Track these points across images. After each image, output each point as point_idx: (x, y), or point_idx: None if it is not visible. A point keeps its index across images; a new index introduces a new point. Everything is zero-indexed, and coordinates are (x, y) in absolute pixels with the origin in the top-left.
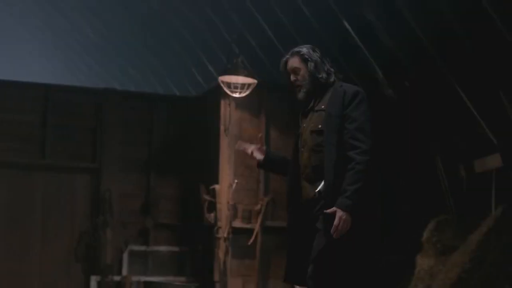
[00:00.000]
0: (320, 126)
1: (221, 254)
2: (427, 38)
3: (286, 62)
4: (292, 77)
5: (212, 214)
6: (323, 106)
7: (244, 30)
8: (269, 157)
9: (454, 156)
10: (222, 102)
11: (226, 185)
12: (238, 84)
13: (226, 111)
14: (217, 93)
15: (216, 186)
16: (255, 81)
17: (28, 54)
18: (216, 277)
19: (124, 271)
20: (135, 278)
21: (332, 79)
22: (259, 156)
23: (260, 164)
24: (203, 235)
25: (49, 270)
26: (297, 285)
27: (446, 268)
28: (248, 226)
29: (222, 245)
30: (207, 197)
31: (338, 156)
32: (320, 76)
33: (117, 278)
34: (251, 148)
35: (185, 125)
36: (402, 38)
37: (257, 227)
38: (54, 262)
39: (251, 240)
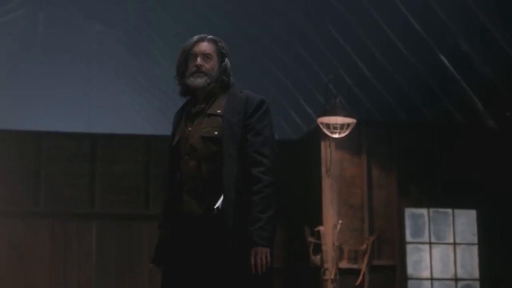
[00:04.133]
0: (216, 133)
1: None
2: None
3: (196, 42)
4: (199, 61)
5: (318, 256)
6: (218, 111)
7: (339, 68)
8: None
9: None
10: (323, 143)
11: (331, 226)
12: (337, 124)
13: (327, 152)
14: (317, 135)
15: (321, 228)
16: (354, 120)
17: (126, 104)
18: None
19: None
20: None
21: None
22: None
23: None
24: (310, 278)
25: None
26: None
27: None
28: (355, 266)
29: (330, 287)
30: (312, 239)
31: (238, 170)
32: (228, 77)
33: None
34: None
35: (287, 168)
36: (500, 67)
37: (363, 267)
38: None
39: (359, 281)
